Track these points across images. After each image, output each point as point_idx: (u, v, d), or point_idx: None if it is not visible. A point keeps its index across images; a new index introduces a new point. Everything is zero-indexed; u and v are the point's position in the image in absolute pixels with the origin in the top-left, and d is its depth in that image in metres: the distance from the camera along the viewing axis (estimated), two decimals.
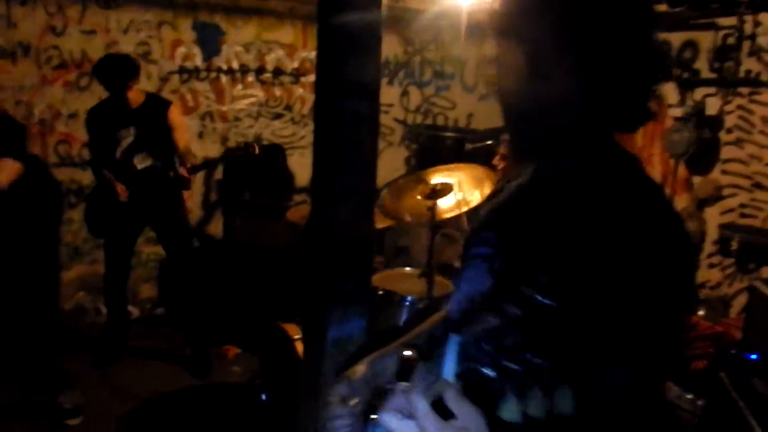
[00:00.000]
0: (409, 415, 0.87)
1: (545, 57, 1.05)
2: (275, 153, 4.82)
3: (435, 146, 5.08)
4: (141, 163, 3.74)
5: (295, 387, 2.88)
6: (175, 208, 3.89)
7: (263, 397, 3.20)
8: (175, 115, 3.80)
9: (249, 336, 4.11)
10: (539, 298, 0.79)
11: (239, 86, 4.82)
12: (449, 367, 0.72)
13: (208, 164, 3.78)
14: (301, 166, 4.99)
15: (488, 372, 0.70)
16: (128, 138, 3.72)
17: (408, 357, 1.28)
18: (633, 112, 1.09)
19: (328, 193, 2.34)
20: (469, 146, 4.94)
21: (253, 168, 4.13)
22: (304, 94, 5.01)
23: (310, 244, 2.39)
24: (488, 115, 5.42)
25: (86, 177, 4.46)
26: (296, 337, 2.95)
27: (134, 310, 4.61)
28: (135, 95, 3.70)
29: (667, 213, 1.05)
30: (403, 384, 0.92)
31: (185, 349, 4.06)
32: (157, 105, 3.79)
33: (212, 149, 4.79)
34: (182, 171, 3.65)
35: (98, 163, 3.77)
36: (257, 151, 3.75)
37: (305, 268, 2.47)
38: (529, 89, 1.07)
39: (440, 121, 5.49)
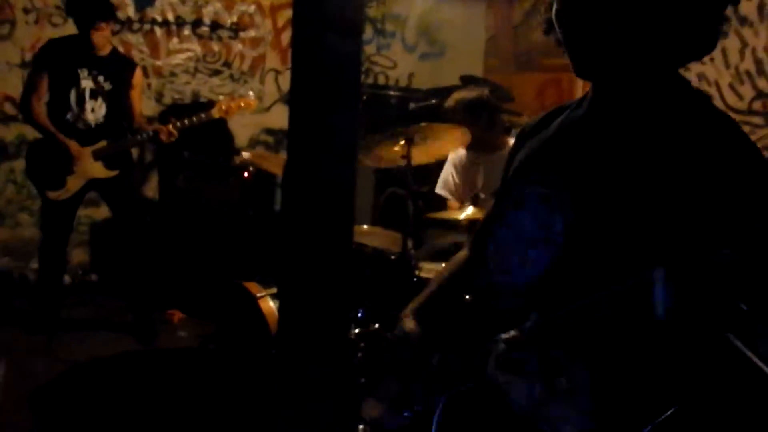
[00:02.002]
0: (518, 371, 0.83)
1: None
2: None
3: (378, 106, 4.99)
4: (95, 112, 3.49)
5: (260, 346, 2.78)
6: (129, 166, 3.66)
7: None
8: (139, 76, 3.65)
9: (195, 300, 3.95)
10: None
11: (175, 40, 4.55)
12: (660, 299, 0.67)
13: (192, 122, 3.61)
14: (240, 125, 4.79)
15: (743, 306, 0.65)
16: (88, 81, 3.46)
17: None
18: (701, 39, 1.03)
19: (307, 138, 2.23)
20: (412, 105, 4.89)
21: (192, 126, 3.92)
22: (243, 50, 4.79)
23: (287, 194, 2.27)
24: (429, 75, 5.38)
25: (9, 133, 4.12)
26: (259, 295, 2.84)
27: (65, 277, 4.32)
28: (101, 41, 3.46)
29: (748, 143, 1.00)
30: (512, 337, 0.87)
31: (126, 315, 3.86)
32: (124, 61, 3.62)
33: (147, 107, 4.50)
34: (168, 128, 3.46)
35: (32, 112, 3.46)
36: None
37: (282, 221, 2.36)
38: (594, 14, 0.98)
39: (381, 80, 5.40)
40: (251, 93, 3.94)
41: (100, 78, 3.51)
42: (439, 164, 3.91)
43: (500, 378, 0.86)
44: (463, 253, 1.44)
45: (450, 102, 3.35)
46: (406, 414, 1.23)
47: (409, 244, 2.97)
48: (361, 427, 2.10)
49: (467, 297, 1.20)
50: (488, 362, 0.88)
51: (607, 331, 0.77)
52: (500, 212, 1.23)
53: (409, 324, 1.30)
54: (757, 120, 4.35)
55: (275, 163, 3.70)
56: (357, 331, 2.55)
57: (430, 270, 2.77)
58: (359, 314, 2.60)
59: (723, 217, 0.89)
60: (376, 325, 2.48)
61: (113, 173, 3.56)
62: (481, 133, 3.19)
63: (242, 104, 3.68)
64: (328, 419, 2.02)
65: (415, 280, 2.70)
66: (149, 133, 3.52)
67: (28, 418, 2.93)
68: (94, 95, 3.51)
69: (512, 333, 0.88)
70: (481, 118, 3.19)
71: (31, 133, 3.63)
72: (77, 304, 4.08)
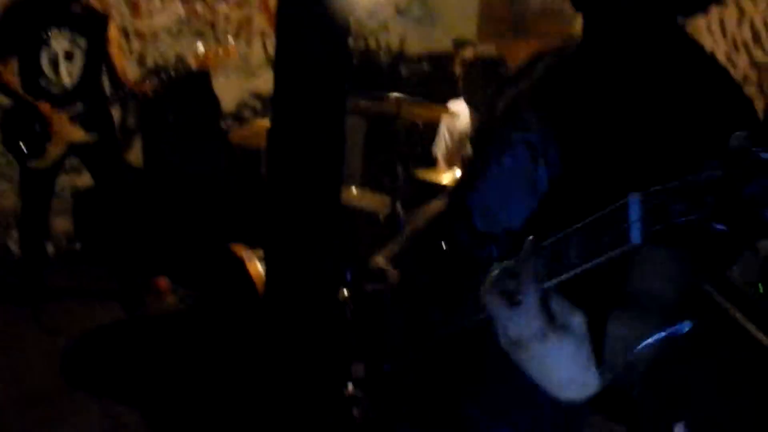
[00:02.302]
0: (515, 302, 0.77)
1: None
2: (199, 74, 4.48)
3: (368, 70, 4.90)
4: (71, 74, 3.36)
5: (249, 308, 2.72)
6: (110, 129, 3.55)
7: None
8: (114, 31, 3.48)
9: (181, 266, 3.88)
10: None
11: (156, 0, 4.40)
12: (635, 231, 0.64)
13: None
14: (226, 88, 4.66)
15: (720, 227, 0.60)
16: (61, 42, 3.32)
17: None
18: None
19: (293, 102, 2.14)
20: (404, 70, 4.81)
21: (176, 89, 3.81)
22: (228, 12, 4.65)
23: (272, 160, 2.19)
24: (421, 40, 5.27)
25: None
26: (246, 257, 2.77)
27: (49, 247, 4.24)
28: None
29: (737, 89, 0.97)
30: (517, 265, 0.81)
31: (112, 284, 3.78)
32: (96, 15, 3.43)
33: (128, 71, 4.39)
34: (144, 87, 3.32)
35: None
36: None
37: (269, 184, 2.29)
38: None
39: (372, 44, 5.28)
40: (231, 39, 3.75)
41: (75, 36, 3.35)
42: (431, 128, 3.86)
43: (495, 307, 0.79)
44: (440, 202, 1.40)
45: (468, 53, 3.28)
46: (386, 368, 1.19)
47: (398, 205, 2.91)
48: (350, 386, 2.06)
49: (443, 245, 1.15)
50: (481, 292, 0.82)
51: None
52: (483, 158, 1.18)
53: (386, 266, 1.25)
54: (752, 90, 4.32)
55: (262, 136, 3.58)
56: (345, 292, 2.49)
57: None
58: (348, 276, 2.54)
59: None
60: (365, 286, 2.42)
61: (93, 137, 3.45)
62: (485, 95, 3.13)
63: (221, 52, 3.50)
64: (317, 380, 1.95)
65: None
66: (127, 90, 3.40)
67: (17, 390, 2.88)
68: (69, 56, 3.35)
69: (507, 262, 0.82)
70: (492, 79, 3.13)
71: (4, 100, 3.50)
72: (62, 274, 4.01)
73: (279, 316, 2.29)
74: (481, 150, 1.24)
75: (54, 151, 3.38)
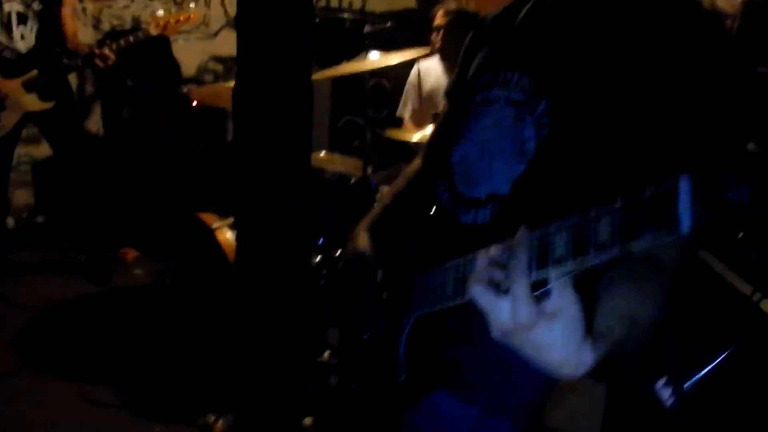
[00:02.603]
0: (503, 291, 0.72)
1: None
2: (158, 38, 4.33)
3: (331, 29, 4.78)
4: (24, 38, 3.20)
5: (218, 278, 2.68)
6: (67, 96, 3.41)
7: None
8: None
9: (148, 236, 3.80)
10: None
11: None
12: (685, 218, 0.58)
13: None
14: (186, 52, 4.53)
15: None
16: (14, 3, 3.16)
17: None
18: None
19: (257, 54, 2.06)
20: (368, 28, 4.70)
21: (134, 54, 3.67)
22: None
23: (239, 118, 2.13)
24: None
25: None
26: (215, 226, 2.72)
27: (9, 220, 4.12)
28: None
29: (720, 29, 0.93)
30: (501, 253, 0.76)
31: (78, 256, 3.69)
32: None
33: (83, 33, 4.21)
34: (105, 52, 3.18)
35: None
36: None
37: (236, 149, 2.23)
38: None
39: (334, 2, 5.16)
40: (193, 5, 3.61)
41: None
42: (398, 89, 3.80)
43: (481, 299, 0.74)
44: (416, 164, 1.34)
45: (451, 5, 3.23)
46: (365, 336, 1.15)
47: (369, 168, 2.87)
48: (326, 353, 2.05)
49: (432, 210, 1.09)
50: (468, 281, 0.77)
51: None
52: (461, 118, 1.11)
53: (363, 241, 1.20)
54: None
55: (224, 97, 3.49)
56: (319, 258, 2.47)
57: None
58: (320, 241, 2.51)
59: (720, 125, 0.83)
60: (338, 252, 2.40)
61: (49, 104, 3.32)
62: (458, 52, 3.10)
63: (182, 18, 3.36)
64: (291, 349, 1.92)
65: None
66: (83, 57, 3.26)
67: None
68: (22, 19, 3.21)
69: (494, 249, 0.77)
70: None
71: None
72: (25, 247, 3.90)
73: (250, 284, 2.26)
74: (456, 107, 1.18)
75: (8, 120, 3.25)
